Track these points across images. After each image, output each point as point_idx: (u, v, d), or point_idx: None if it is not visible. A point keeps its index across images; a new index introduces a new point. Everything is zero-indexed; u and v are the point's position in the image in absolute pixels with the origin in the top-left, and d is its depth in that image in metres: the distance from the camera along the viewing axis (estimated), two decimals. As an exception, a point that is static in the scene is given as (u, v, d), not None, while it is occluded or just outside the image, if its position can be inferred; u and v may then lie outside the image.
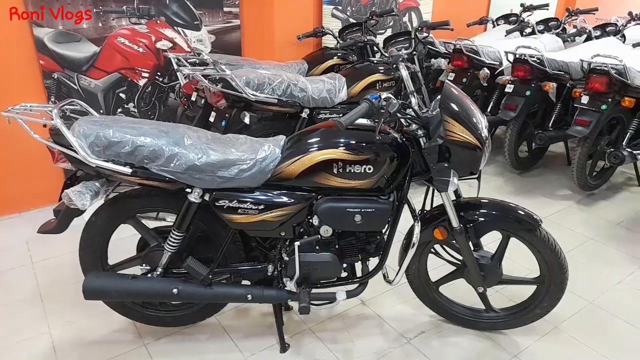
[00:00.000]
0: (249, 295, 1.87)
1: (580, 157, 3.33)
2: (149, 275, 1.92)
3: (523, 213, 1.86)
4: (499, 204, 1.91)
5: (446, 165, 1.68)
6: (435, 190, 1.84)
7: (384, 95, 1.58)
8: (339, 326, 2.20)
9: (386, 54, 3.52)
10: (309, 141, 1.76)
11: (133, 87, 3.39)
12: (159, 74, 3.46)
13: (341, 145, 1.71)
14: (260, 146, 1.77)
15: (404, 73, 1.84)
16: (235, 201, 1.76)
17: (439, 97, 1.78)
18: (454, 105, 1.64)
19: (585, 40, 4.57)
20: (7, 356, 1.99)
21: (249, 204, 1.76)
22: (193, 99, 3.16)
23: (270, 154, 1.75)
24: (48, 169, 3.16)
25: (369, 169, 1.71)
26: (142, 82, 3.41)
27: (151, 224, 2.01)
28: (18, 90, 2.95)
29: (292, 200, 1.77)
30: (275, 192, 1.78)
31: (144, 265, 1.94)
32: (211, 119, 2.87)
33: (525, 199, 3.55)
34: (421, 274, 2.10)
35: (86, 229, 1.90)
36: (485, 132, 1.68)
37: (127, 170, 1.67)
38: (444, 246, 2.08)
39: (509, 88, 3.62)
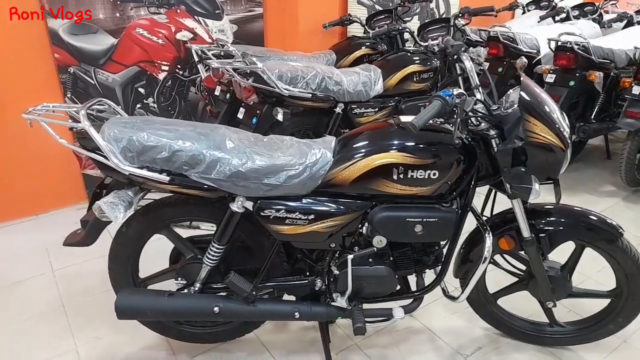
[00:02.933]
0: (296, 313, 1.70)
1: (630, 151, 3.12)
2: (186, 290, 1.76)
3: (601, 220, 1.67)
4: (572, 210, 1.71)
5: (523, 169, 1.49)
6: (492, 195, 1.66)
7: (457, 91, 1.39)
8: (388, 341, 2.02)
9: (421, 43, 3.31)
10: (364, 143, 1.57)
11: (152, 81, 3.20)
12: (179, 66, 3.27)
13: (402, 147, 1.52)
14: (310, 149, 1.59)
15: (468, 64, 1.64)
16: (283, 211, 1.57)
17: (511, 92, 1.59)
18: (535, 102, 1.44)
19: (626, 26, 4.32)
20: (32, 377, 1.84)
21: (297, 213, 1.58)
22: (217, 93, 2.98)
23: (321, 158, 1.56)
24: (65, 169, 3.00)
25: (434, 174, 1.52)
26: (161, 76, 3.22)
27: (185, 233, 1.84)
28: (32, 86, 2.78)
29: (345, 209, 1.59)
30: (326, 200, 1.60)
31: (179, 279, 1.77)
32: (240, 116, 2.68)
33: (568, 196, 3.35)
34: (479, 286, 1.92)
35: (116, 241, 1.74)
36: (568, 131, 1.49)
37: (165, 178, 1.49)
38: (505, 256, 1.89)
39: (550, 78, 3.40)
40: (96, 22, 2.87)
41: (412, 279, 1.85)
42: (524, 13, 4.92)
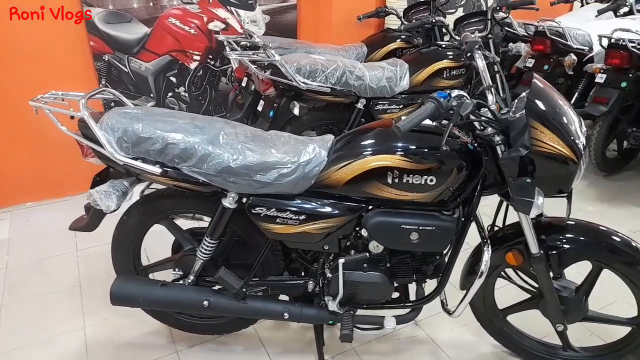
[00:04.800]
0: (285, 314, 1.67)
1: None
2: (181, 281, 1.77)
3: (621, 241, 1.51)
4: (591, 227, 1.56)
5: (529, 180, 1.36)
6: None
7: (455, 93, 1.29)
8: (387, 349, 1.95)
9: (457, 37, 3.15)
10: (360, 144, 1.50)
11: (184, 71, 3.25)
12: (210, 56, 3.30)
13: (399, 150, 1.44)
14: (305, 147, 1.54)
15: (480, 63, 1.52)
16: (274, 209, 1.54)
17: (523, 94, 1.46)
18: (544, 107, 1.31)
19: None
20: (39, 351, 1.93)
21: (288, 213, 1.54)
22: (243, 84, 2.98)
23: (314, 157, 1.51)
24: (98, 153, 3.12)
25: (431, 180, 1.43)
26: (193, 66, 3.27)
27: (188, 224, 1.85)
28: (69, 73, 2.90)
29: (338, 211, 1.53)
30: (319, 201, 1.55)
31: (176, 270, 1.79)
32: (259, 108, 2.67)
33: (611, 207, 3.09)
34: (486, 300, 1.80)
35: (118, 228, 1.78)
36: (582, 141, 1.34)
37: (157, 170, 1.50)
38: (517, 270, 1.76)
39: (600, 78, 3.13)
40: (130, 12, 2.94)
41: (412, 288, 1.76)
42: (582, 6, 4.57)
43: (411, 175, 1.43)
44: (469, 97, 1.29)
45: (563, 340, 1.77)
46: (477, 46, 1.56)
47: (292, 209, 1.54)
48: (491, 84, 1.52)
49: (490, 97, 1.51)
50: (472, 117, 1.35)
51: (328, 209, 1.54)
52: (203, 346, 1.96)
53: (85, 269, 2.45)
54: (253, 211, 1.55)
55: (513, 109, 1.42)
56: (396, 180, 1.45)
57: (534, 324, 1.91)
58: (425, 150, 1.42)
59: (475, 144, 1.48)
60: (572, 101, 3.52)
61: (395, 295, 1.76)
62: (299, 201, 1.55)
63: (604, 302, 2.18)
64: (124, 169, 1.55)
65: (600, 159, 3.31)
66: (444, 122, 1.36)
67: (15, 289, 2.29)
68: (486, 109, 1.40)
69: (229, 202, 1.56)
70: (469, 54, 1.58)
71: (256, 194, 1.54)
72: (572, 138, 1.31)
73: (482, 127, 1.42)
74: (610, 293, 2.22)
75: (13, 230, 2.79)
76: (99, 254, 2.58)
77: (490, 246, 1.54)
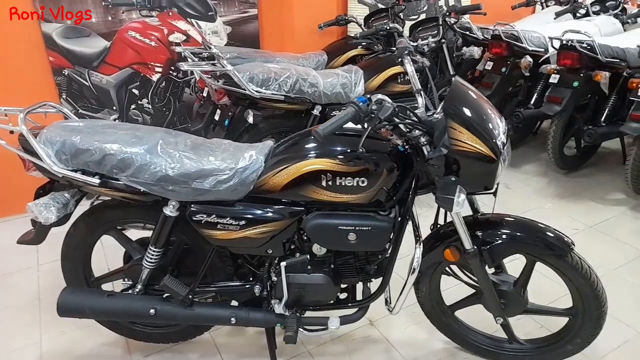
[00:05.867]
0: (232, 319, 1.69)
1: (636, 157, 2.90)
2: (130, 291, 1.79)
3: (551, 235, 1.56)
4: (523, 223, 1.61)
5: (453, 179, 1.41)
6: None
7: (376, 97, 1.33)
8: (341, 350, 1.98)
9: (411, 43, 3.22)
10: (296, 149, 1.54)
11: (146, 83, 3.28)
12: (172, 68, 3.33)
13: (331, 154, 1.48)
14: (242, 154, 1.57)
15: (409, 68, 1.58)
16: (214, 215, 1.57)
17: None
18: (461, 108, 1.36)
19: (649, 21, 4.03)
20: (-7, 368, 1.94)
21: (229, 219, 1.57)
22: (204, 94, 3.01)
23: (251, 164, 1.54)
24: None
25: (363, 182, 1.48)
26: (155, 77, 3.29)
27: (139, 234, 1.87)
28: (29, 88, 2.90)
29: (278, 216, 1.57)
30: (259, 206, 1.58)
31: (126, 279, 1.81)
32: (216, 117, 2.70)
33: (570, 203, 3.16)
34: (433, 297, 1.85)
35: (66, 241, 1.79)
36: (502, 139, 1.40)
37: (96, 181, 1.52)
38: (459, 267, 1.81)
39: (554, 78, 3.22)
40: (89, 26, 2.97)
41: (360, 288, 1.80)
42: (543, 9, 4.70)
43: (343, 178, 1.48)
44: (389, 102, 1.34)
45: (508, 333, 1.82)
46: (406, 51, 1.62)
47: (231, 214, 1.57)
48: (420, 87, 1.57)
49: (421, 100, 1.56)
50: (396, 119, 1.39)
51: (268, 214, 1.57)
52: (159, 355, 1.98)
53: (46, 283, 2.45)
54: (194, 218, 1.58)
55: (438, 111, 1.47)
56: (330, 183, 1.49)
57: (487, 320, 1.95)
58: (356, 153, 1.47)
59: (407, 146, 1.53)
60: (532, 101, 3.60)
61: (344, 295, 1.80)
62: (239, 207, 1.58)
63: (557, 294, 2.24)
64: (65, 181, 1.57)
65: (558, 157, 3.40)
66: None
67: (-27, 306, 2.28)
68: (419, 111, 1.45)
69: (169, 210, 1.59)
70: (399, 59, 1.63)
71: (196, 201, 1.57)
72: (490, 137, 1.37)
73: (408, 130, 1.47)
74: (563, 286, 2.27)
75: (-25, 248, 2.78)
76: (59, 268, 2.57)
77: (422, 244, 1.58)
